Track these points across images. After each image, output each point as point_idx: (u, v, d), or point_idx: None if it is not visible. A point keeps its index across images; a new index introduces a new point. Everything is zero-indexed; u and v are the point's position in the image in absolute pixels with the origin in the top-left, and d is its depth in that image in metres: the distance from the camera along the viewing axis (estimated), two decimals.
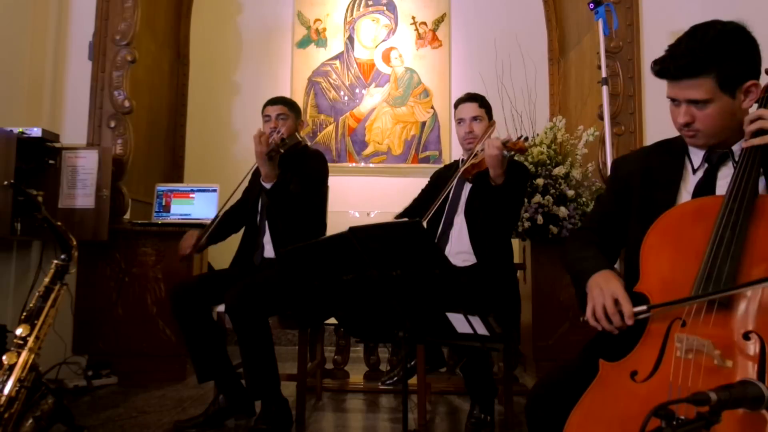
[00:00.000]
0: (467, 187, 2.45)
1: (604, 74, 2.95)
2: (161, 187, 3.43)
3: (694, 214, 1.20)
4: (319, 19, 4.71)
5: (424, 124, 4.63)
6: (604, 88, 2.94)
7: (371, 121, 4.65)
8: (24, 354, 1.77)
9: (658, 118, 3.08)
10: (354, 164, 4.60)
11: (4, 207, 2.56)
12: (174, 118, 4.32)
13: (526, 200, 2.95)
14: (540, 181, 2.98)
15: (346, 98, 4.67)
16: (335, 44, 4.70)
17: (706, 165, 1.31)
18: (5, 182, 2.44)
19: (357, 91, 4.68)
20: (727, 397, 0.79)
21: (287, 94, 4.47)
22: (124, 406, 2.64)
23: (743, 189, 1.15)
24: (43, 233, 2.29)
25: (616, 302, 1.16)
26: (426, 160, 4.57)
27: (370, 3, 4.74)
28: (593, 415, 1.08)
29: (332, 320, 2.78)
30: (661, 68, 1.25)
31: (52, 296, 1.89)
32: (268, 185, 2.46)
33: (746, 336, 1.02)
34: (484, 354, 2.26)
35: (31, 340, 1.80)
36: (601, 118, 2.99)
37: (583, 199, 3.04)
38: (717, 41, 1.20)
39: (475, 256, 2.36)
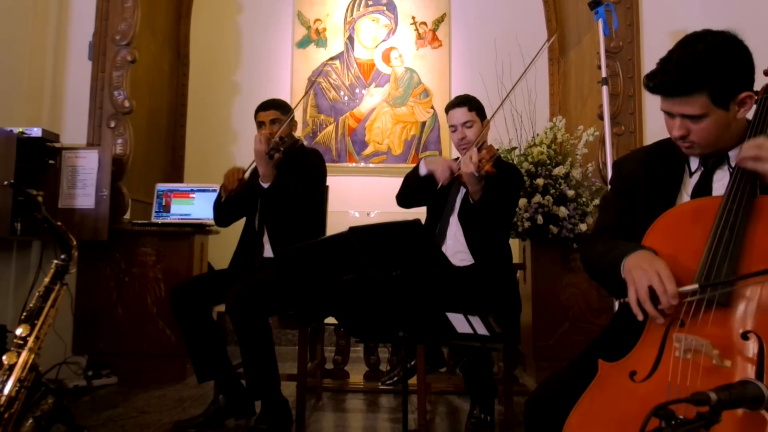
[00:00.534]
0: (462, 190, 2.44)
1: (604, 74, 2.95)
2: (161, 187, 3.43)
3: (693, 215, 1.20)
4: (319, 19, 4.71)
5: (424, 124, 4.63)
6: (604, 88, 2.94)
7: (371, 121, 4.65)
8: (24, 354, 1.77)
9: (658, 118, 3.05)
10: (354, 164, 4.60)
11: (4, 207, 2.56)
12: (174, 118, 4.32)
13: (526, 200, 2.95)
14: (540, 181, 2.98)
15: (346, 98, 4.67)
16: (335, 44, 4.70)
17: (702, 168, 1.31)
18: (5, 182, 2.44)
19: (357, 91, 4.68)
20: (727, 397, 0.79)
21: (287, 94, 4.48)
22: (124, 406, 2.64)
23: (741, 189, 1.15)
24: (43, 233, 2.29)
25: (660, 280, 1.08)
26: None
27: (370, 3, 4.74)
28: (592, 415, 1.08)
29: (332, 320, 2.78)
30: (654, 85, 1.24)
31: (52, 296, 1.89)
32: (265, 185, 2.46)
33: (745, 336, 1.03)
34: (484, 354, 2.26)
35: (31, 340, 1.80)
36: (601, 118, 2.99)
37: (583, 199, 3.04)
38: (708, 56, 1.18)
39: (472, 256, 2.36)
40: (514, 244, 2.66)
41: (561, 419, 1.09)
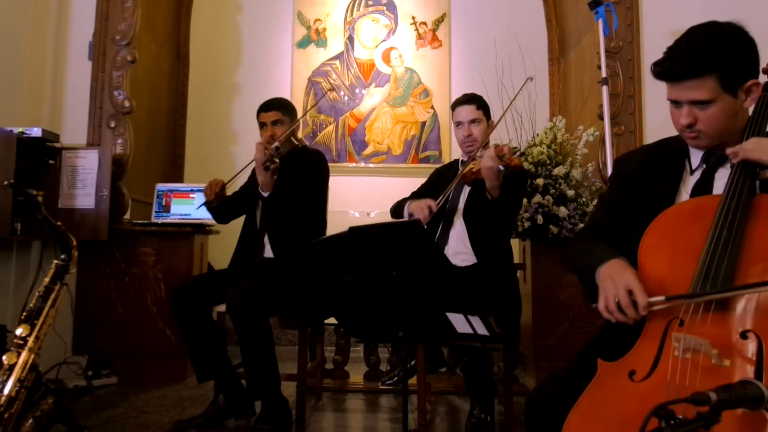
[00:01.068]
0: (466, 189, 2.44)
1: (604, 74, 2.95)
2: (161, 187, 3.43)
3: (692, 214, 1.20)
4: (319, 19, 4.71)
5: (424, 124, 4.63)
6: (604, 88, 2.94)
7: (371, 121, 4.65)
8: (24, 354, 1.77)
9: (658, 118, 3.08)
10: (354, 164, 4.60)
11: (4, 207, 2.56)
12: (174, 118, 4.32)
13: (526, 200, 2.95)
14: (540, 181, 2.98)
15: (346, 98, 4.67)
16: (335, 44, 4.70)
17: (704, 166, 1.31)
18: (5, 182, 2.44)
19: (357, 91, 4.68)
20: (727, 397, 0.79)
21: (287, 94, 4.48)
22: (124, 406, 2.64)
23: (740, 188, 1.15)
24: (43, 233, 2.29)
25: (630, 293, 1.12)
26: (426, 160, 4.57)
27: (370, 3, 4.74)
28: (592, 415, 1.08)
29: (332, 320, 2.78)
30: (662, 69, 1.24)
31: (52, 296, 1.90)
32: (265, 194, 2.47)
33: (744, 335, 1.02)
34: (484, 354, 2.26)
35: (31, 340, 1.80)
36: (601, 118, 2.99)
37: (583, 199, 3.04)
38: (718, 41, 1.20)
39: (475, 256, 2.36)
40: (514, 244, 2.66)
41: (561, 418, 1.09)
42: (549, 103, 4.36)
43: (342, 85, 4.67)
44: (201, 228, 3.21)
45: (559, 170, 2.99)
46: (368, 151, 4.63)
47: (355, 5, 4.74)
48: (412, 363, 2.44)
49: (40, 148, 2.97)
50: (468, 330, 1.43)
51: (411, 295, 1.49)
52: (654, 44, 3.17)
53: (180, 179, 4.23)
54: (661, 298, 1.09)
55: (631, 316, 1.12)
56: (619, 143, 3.10)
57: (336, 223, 2.35)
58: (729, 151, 1.21)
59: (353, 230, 1.42)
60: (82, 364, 3.06)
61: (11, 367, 1.74)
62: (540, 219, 2.92)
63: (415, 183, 2.82)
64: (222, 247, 3.03)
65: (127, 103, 3.25)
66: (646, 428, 0.78)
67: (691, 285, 1.10)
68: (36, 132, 2.84)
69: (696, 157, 1.33)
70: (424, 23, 4.71)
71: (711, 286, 1.07)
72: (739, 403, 0.81)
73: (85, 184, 3.03)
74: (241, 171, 2.61)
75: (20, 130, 2.78)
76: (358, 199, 4.40)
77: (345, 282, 1.55)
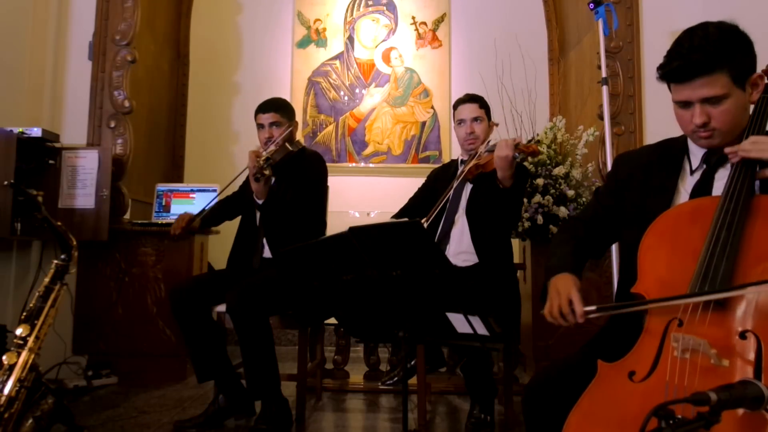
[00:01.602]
0: (468, 187, 2.45)
1: (604, 74, 2.95)
2: (161, 187, 3.43)
3: (691, 215, 1.20)
4: (319, 19, 4.71)
5: (424, 124, 4.63)
6: (604, 88, 2.94)
7: (371, 121, 4.65)
8: (24, 354, 1.77)
9: (658, 118, 3.08)
10: (354, 164, 4.60)
11: (4, 207, 2.56)
12: (174, 118, 4.32)
13: (525, 200, 2.95)
14: (540, 181, 2.98)
15: (346, 98, 4.67)
16: (335, 44, 4.70)
17: (704, 166, 1.31)
18: (5, 182, 2.44)
19: (357, 91, 4.68)
20: (727, 397, 0.79)
21: (287, 94, 4.48)
22: (124, 406, 2.64)
23: (739, 189, 1.15)
24: (43, 233, 2.29)
25: (571, 302, 1.25)
26: (426, 160, 4.57)
27: (370, 3, 4.74)
28: (592, 416, 1.08)
29: (332, 320, 2.78)
30: (671, 69, 1.23)
31: (52, 296, 1.89)
32: (259, 201, 2.47)
33: (743, 335, 1.03)
34: (484, 354, 2.26)
35: (31, 340, 1.80)
36: (601, 118, 2.99)
37: (583, 199, 3.04)
38: (723, 37, 1.20)
39: (477, 256, 2.36)
40: (514, 244, 2.66)
41: (558, 406, 1.11)
42: (549, 103, 4.36)
43: (342, 85, 4.67)
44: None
45: (559, 170, 2.99)
46: (368, 151, 4.63)
47: (355, 5, 4.74)
48: (412, 363, 2.44)
49: (40, 148, 2.97)
50: (468, 330, 1.43)
51: (411, 295, 1.49)
52: (654, 44, 3.17)
53: (180, 179, 4.23)
54: (593, 308, 1.22)
55: (571, 322, 1.25)
56: (619, 143, 3.09)
57: (336, 223, 2.35)
58: (728, 150, 1.21)
59: (353, 230, 1.42)
60: (82, 364, 3.06)
61: (11, 367, 1.74)
62: (540, 219, 2.92)
63: (415, 183, 2.82)
64: (222, 247, 3.02)
65: (127, 103, 3.25)
66: (646, 428, 0.78)
67: (689, 285, 1.10)
68: (36, 132, 2.84)
69: (696, 157, 1.33)
70: (424, 23, 4.71)
71: (710, 286, 1.07)
72: (739, 403, 0.81)
73: (85, 184, 3.03)
74: (211, 203, 2.69)
75: (20, 130, 2.78)
76: (358, 199, 4.40)
77: (345, 282, 1.55)
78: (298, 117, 4.19)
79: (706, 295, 1.05)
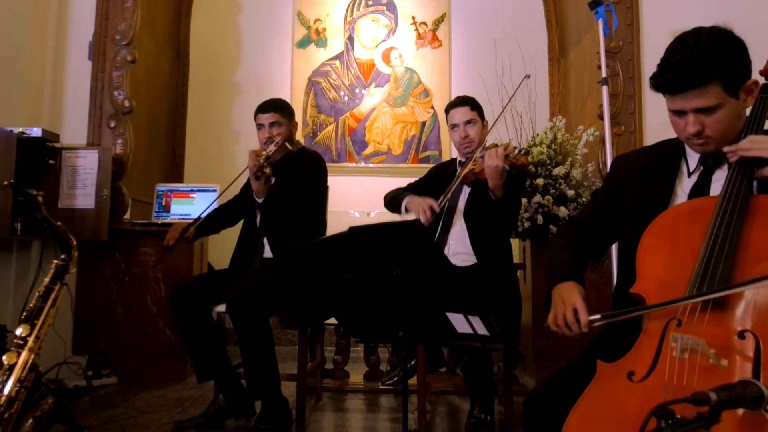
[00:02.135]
0: (466, 190, 2.44)
1: (604, 74, 2.95)
2: (161, 187, 3.43)
3: (690, 215, 1.20)
4: (319, 19, 4.71)
5: (424, 124, 4.63)
6: (604, 88, 2.94)
7: (371, 121, 4.65)
8: (24, 354, 1.77)
9: (658, 118, 3.08)
10: (354, 164, 4.60)
11: (4, 207, 2.56)
12: (174, 118, 4.32)
13: (526, 200, 2.95)
14: (540, 181, 2.98)
15: (346, 98, 4.67)
16: (335, 44, 4.70)
17: (701, 168, 1.30)
18: (5, 182, 2.44)
19: (357, 91, 4.68)
20: (727, 397, 0.79)
21: (287, 95, 4.48)
22: (124, 406, 2.64)
23: (737, 189, 1.15)
24: (43, 233, 2.29)
25: (576, 311, 1.26)
26: (426, 160, 4.57)
27: (370, 3, 4.74)
28: (591, 416, 1.08)
29: (332, 320, 2.78)
30: (662, 81, 1.22)
31: (52, 296, 1.89)
32: (259, 200, 2.47)
33: (741, 335, 1.03)
34: (484, 354, 2.26)
35: (31, 340, 1.80)
36: (601, 118, 2.99)
37: (583, 199, 3.04)
38: (714, 46, 1.18)
39: (476, 256, 2.36)
40: (514, 244, 2.66)
41: (559, 418, 1.09)
42: (549, 103, 4.36)
43: (342, 85, 4.67)
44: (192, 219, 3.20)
45: (559, 170, 2.99)
46: (368, 151, 4.63)
47: (355, 5, 4.74)
48: (412, 363, 2.44)
49: (40, 148, 2.97)
50: (468, 330, 1.43)
51: (411, 295, 1.49)
52: (654, 44, 3.17)
53: (180, 179, 4.23)
54: (598, 316, 1.22)
55: (575, 332, 1.27)
56: (619, 143, 3.09)
57: (336, 223, 2.35)
58: (726, 149, 1.21)
59: (353, 230, 1.42)
60: (82, 364, 3.06)
61: (11, 367, 1.74)
62: (540, 219, 2.92)
63: None
64: (222, 247, 3.02)
65: (127, 103, 3.25)
66: (646, 428, 0.78)
67: (688, 285, 1.10)
68: (36, 132, 2.85)
69: (693, 159, 1.33)
70: (424, 23, 4.71)
71: (708, 286, 1.07)
72: (739, 403, 0.81)
73: (85, 184, 3.03)
74: (204, 213, 2.65)
75: (20, 130, 2.78)
76: (358, 199, 4.40)
77: (345, 282, 1.55)
78: (298, 117, 4.20)
79: (707, 295, 1.05)
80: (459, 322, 1.44)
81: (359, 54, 4.71)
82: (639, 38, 3.22)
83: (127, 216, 3.26)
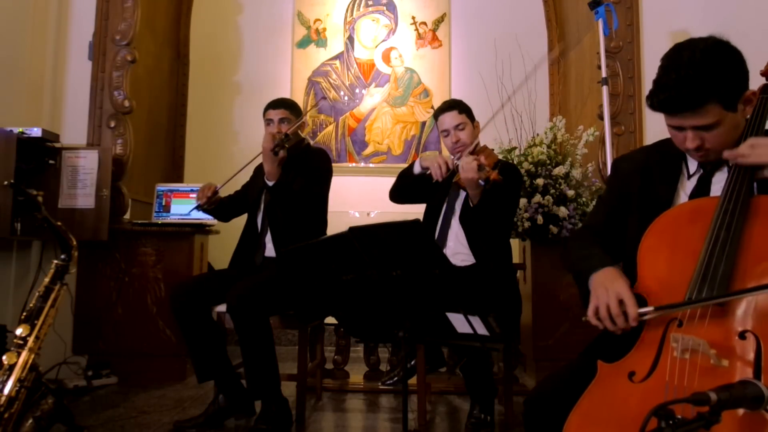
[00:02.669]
0: (462, 193, 2.44)
1: (604, 74, 2.95)
2: (161, 187, 3.43)
3: (691, 215, 1.20)
4: (319, 19, 4.71)
5: (424, 124, 4.63)
6: (604, 88, 2.94)
7: (371, 121, 4.65)
8: (24, 354, 1.77)
9: (658, 119, 3.06)
10: (354, 164, 4.60)
11: (4, 207, 2.56)
12: (174, 118, 4.32)
13: (526, 200, 2.95)
14: (540, 181, 2.98)
15: (346, 98, 4.67)
16: (335, 44, 4.70)
17: (701, 171, 1.30)
18: (5, 182, 2.44)
19: (357, 91, 4.68)
20: (727, 397, 0.79)
21: (287, 94, 4.48)
22: (124, 406, 2.64)
23: (738, 189, 1.15)
24: (43, 233, 2.29)
25: (621, 303, 1.13)
26: None
27: (370, 3, 4.74)
28: (592, 416, 1.08)
29: (332, 320, 2.78)
30: (659, 102, 1.20)
31: (52, 296, 1.89)
32: (270, 183, 2.47)
33: (742, 335, 1.03)
34: (484, 354, 2.26)
35: (31, 340, 1.80)
36: (601, 118, 2.99)
37: (583, 199, 3.04)
38: (708, 63, 1.15)
39: (474, 257, 2.36)
40: (514, 244, 2.66)
41: (559, 418, 1.09)
42: (549, 103, 4.35)
43: (342, 85, 4.67)
44: (201, 228, 3.21)
45: (559, 170, 2.99)
46: (368, 151, 4.63)
47: (355, 5, 4.74)
48: (412, 363, 2.44)
49: (40, 148, 2.97)
50: (468, 330, 1.43)
51: (411, 295, 1.49)
52: (654, 44, 3.17)
53: (180, 179, 4.23)
54: (651, 308, 1.10)
55: (620, 326, 1.13)
56: (619, 143, 3.09)
57: (336, 223, 2.35)
58: (726, 155, 1.20)
59: (353, 230, 1.42)
60: (82, 364, 3.06)
61: (11, 367, 1.74)
62: (540, 219, 2.92)
63: None
64: (222, 247, 3.02)
65: (127, 103, 3.25)
66: (646, 428, 0.78)
67: (689, 286, 1.10)
68: (36, 132, 2.84)
69: (693, 162, 1.32)
70: (424, 23, 4.71)
71: (709, 287, 1.07)
72: (739, 403, 0.81)
73: (85, 184, 3.03)
74: (236, 174, 2.64)
75: (20, 130, 2.78)
76: (358, 199, 4.40)
77: (345, 282, 1.55)
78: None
79: (743, 293, 1.02)
80: (459, 322, 1.44)
81: (359, 54, 4.71)
82: (639, 38, 3.22)
83: (127, 216, 3.26)
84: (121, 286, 3.14)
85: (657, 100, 1.20)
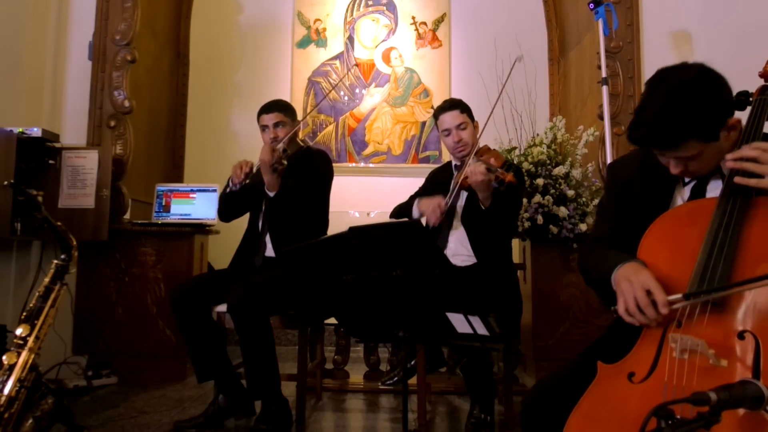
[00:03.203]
0: (464, 193, 2.44)
1: (604, 74, 2.95)
2: (161, 187, 3.43)
3: (689, 216, 1.20)
4: (319, 19, 4.71)
5: (424, 124, 4.63)
6: (604, 88, 2.94)
7: (371, 121, 4.65)
8: (24, 354, 1.77)
9: None
10: (354, 164, 4.60)
11: (4, 207, 2.56)
12: (174, 118, 4.32)
13: (525, 200, 2.95)
14: (540, 181, 2.98)
15: (346, 98, 4.67)
16: (335, 44, 4.70)
17: (695, 180, 1.29)
18: (5, 182, 2.44)
19: (357, 91, 4.68)
20: (727, 397, 0.79)
21: (287, 95, 4.48)
22: (124, 406, 2.64)
23: (736, 191, 1.15)
24: (43, 233, 2.29)
25: (648, 293, 1.10)
26: (426, 160, 4.57)
27: (370, 3, 4.74)
28: (592, 417, 1.08)
29: (332, 320, 2.78)
30: (639, 139, 1.19)
31: (52, 296, 1.90)
32: (271, 194, 2.47)
33: (741, 335, 1.03)
34: (484, 354, 2.26)
35: (31, 340, 1.80)
36: (601, 118, 2.99)
37: (583, 199, 3.04)
38: (684, 101, 1.13)
39: (475, 257, 2.36)
40: (514, 244, 2.65)
41: (557, 419, 1.09)
42: (549, 103, 4.35)
43: (342, 85, 4.67)
44: (201, 228, 3.21)
45: (559, 170, 2.99)
46: (368, 151, 4.63)
47: (355, 5, 4.74)
48: (412, 363, 2.44)
49: (40, 148, 2.97)
50: (468, 330, 1.43)
51: (411, 295, 1.49)
52: (654, 44, 3.17)
53: (180, 179, 4.23)
54: (679, 296, 1.06)
55: (652, 317, 1.09)
56: (619, 143, 3.09)
57: (336, 223, 2.35)
58: (729, 164, 1.17)
59: (353, 230, 1.42)
60: (82, 364, 3.06)
61: (11, 367, 1.74)
62: (540, 219, 2.92)
63: (415, 183, 2.82)
64: (222, 247, 3.02)
65: (127, 103, 3.25)
66: (646, 428, 0.78)
67: (688, 287, 1.09)
68: (36, 132, 2.84)
69: None
70: (424, 23, 4.71)
71: (707, 287, 1.07)
72: (739, 403, 0.81)
73: (85, 184, 3.03)
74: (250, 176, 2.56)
75: (20, 130, 2.78)
76: (358, 199, 4.40)
77: (345, 282, 1.55)
78: (298, 117, 4.20)
79: (748, 283, 1.00)
80: (459, 322, 1.44)
81: (359, 54, 4.71)
82: (639, 38, 3.22)
83: (127, 216, 3.26)
84: (121, 286, 3.14)
85: (635, 136, 1.20)
